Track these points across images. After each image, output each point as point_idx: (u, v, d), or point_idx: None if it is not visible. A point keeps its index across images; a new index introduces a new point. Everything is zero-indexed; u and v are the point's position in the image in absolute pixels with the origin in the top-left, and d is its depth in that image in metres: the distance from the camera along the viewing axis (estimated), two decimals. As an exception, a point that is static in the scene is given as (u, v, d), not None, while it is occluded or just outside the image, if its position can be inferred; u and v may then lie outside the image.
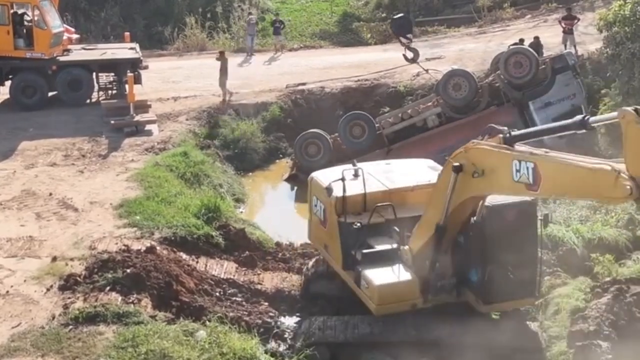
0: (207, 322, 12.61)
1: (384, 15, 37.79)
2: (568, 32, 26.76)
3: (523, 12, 34.81)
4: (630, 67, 19.61)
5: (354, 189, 13.04)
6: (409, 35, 26.34)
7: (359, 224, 12.57)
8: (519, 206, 12.11)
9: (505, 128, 10.81)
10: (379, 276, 12.41)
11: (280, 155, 24.19)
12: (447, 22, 35.71)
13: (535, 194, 10.13)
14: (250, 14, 33.02)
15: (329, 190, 13.10)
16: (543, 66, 21.84)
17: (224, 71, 24.72)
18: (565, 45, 26.32)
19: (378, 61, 28.31)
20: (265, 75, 27.04)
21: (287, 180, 22.54)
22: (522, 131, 10.97)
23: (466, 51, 28.65)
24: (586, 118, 9.70)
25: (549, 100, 21.44)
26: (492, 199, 11.95)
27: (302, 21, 38.87)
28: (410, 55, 25.86)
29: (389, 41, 32.86)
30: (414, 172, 13.90)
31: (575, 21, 26.94)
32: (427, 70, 26.18)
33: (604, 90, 21.36)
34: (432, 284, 12.41)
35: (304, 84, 26.50)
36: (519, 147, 10.42)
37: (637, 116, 8.08)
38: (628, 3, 20.00)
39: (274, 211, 20.46)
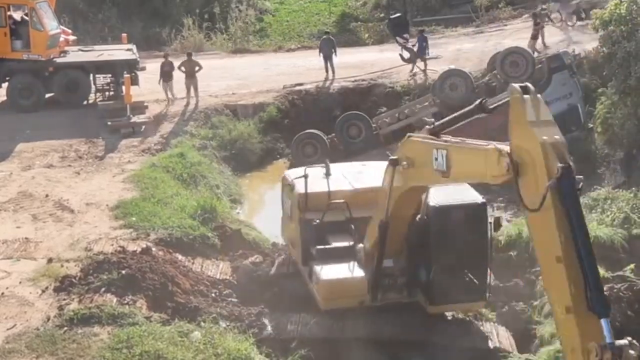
0: (202, 323, 12.61)
1: (382, 15, 37.81)
2: (534, 37, 26.72)
3: (520, 11, 34.77)
4: (627, 66, 19.60)
5: (318, 186, 13.18)
6: (405, 35, 26.38)
7: (317, 221, 12.70)
8: (467, 208, 12.24)
9: (432, 120, 11.23)
10: (327, 272, 12.55)
11: (278, 156, 24.19)
12: (445, 22, 35.66)
13: (448, 180, 10.16)
14: None
15: (292, 187, 13.19)
16: (539, 65, 21.86)
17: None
18: (533, 51, 26.14)
19: (375, 61, 28.28)
20: (262, 76, 27.05)
21: (284, 180, 22.48)
22: (441, 121, 10.88)
23: (463, 51, 28.64)
24: (484, 101, 9.97)
25: (546, 99, 20.89)
26: (440, 199, 12.09)
27: (300, 22, 38.89)
28: (406, 55, 25.88)
29: (387, 41, 32.85)
30: None
31: (540, 27, 26.89)
32: (423, 70, 26.20)
33: (600, 89, 21.36)
34: (380, 282, 12.46)
35: (301, 84, 26.50)
36: (444, 137, 10.29)
37: (521, 92, 8.16)
38: (624, 2, 20.00)
39: (271, 212, 20.38)
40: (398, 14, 28.51)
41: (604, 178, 20.26)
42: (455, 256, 12.25)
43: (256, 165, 23.45)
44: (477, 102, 10.03)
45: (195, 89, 24.79)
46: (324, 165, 13.93)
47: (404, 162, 10.88)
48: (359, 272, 12.57)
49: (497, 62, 21.86)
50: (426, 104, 22.35)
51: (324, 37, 28.09)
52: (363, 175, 13.81)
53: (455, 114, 10.69)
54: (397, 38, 26.30)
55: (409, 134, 11.46)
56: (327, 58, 27.03)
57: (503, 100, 9.89)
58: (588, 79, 22.79)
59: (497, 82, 21.91)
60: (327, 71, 26.99)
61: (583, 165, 20.61)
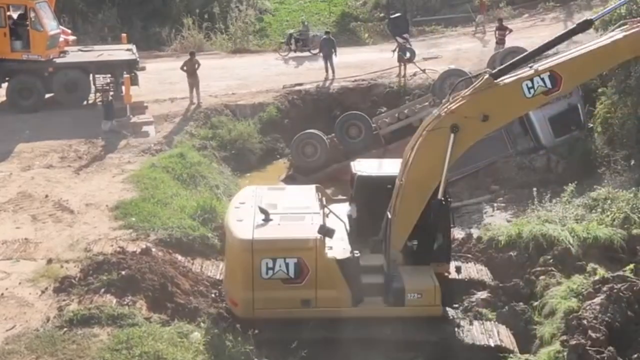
0: (202, 324, 12.61)
1: (381, 15, 37.76)
2: (500, 43, 26.69)
3: (520, 11, 34.75)
4: (627, 66, 19.54)
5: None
6: (405, 35, 26.34)
7: None
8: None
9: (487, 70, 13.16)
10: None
11: (277, 156, 24.21)
12: (445, 22, 35.67)
13: (557, 92, 12.54)
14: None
15: None
16: (539, 65, 21.80)
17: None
18: None
19: (375, 61, 28.25)
20: (262, 76, 27.04)
21: (284, 180, 22.51)
22: (505, 64, 12.97)
23: (463, 51, 28.64)
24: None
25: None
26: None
27: (300, 21, 38.79)
28: (407, 55, 25.87)
29: (387, 41, 32.82)
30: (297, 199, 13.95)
31: (507, 32, 26.86)
32: (424, 70, 26.18)
33: (600, 89, 21.32)
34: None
35: (300, 84, 26.50)
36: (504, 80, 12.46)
37: None
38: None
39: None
40: (398, 14, 28.47)
41: (604, 178, 20.23)
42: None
43: (256, 166, 23.46)
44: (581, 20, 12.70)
45: (197, 88, 24.77)
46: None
47: (474, 118, 12.24)
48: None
49: (497, 61, 21.82)
50: (426, 104, 22.32)
51: (324, 36, 28.08)
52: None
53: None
54: (397, 38, 26.23)
55: (445, 102, 12.73)
56: (327, 58, 27.03)
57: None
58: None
59: (496, 82, 21.82)
60: (327, 71, 26.98)
61: (583, 165, 20.86)
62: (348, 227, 13.45)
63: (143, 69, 25.15)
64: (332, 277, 12.46)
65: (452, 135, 12.33)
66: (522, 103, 12.64)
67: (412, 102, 23.00)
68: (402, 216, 12.90)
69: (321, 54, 27.41)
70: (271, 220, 12.84)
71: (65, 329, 12.18)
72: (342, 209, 13.88)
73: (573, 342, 11.77)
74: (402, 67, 26.22)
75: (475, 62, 26.57)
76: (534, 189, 18.05)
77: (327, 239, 12.47)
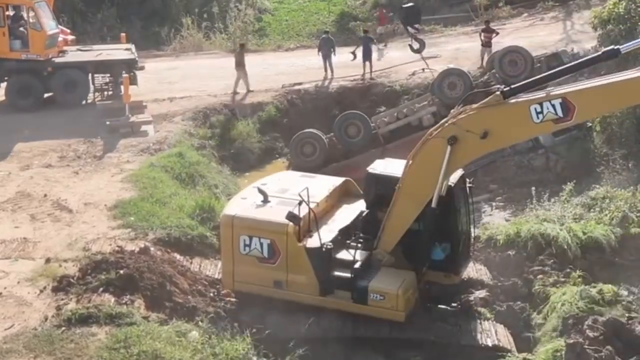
0: (200, 323, 12.61)
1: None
2: (486, 45, 26.61)
3: (519, 10, 34.73)
4: (625, 65, 19.57)
5: None
6: (416, 26, 26.34)
7: None
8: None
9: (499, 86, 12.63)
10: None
11: (277, 155, 24.25)
12: (444, 21, 35.66)
13: (568, 123, 11.99)
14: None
15: None
16: (538, 64, 21.84)
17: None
18: (483, 58, 26.13)
19: (374, 60, 28.23)
20: (261, 75, 27.02)
21: (283, 180, 22.48)
22: (519, 84, 12.32)
23: (462, 50, 28.63)
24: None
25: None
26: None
27: (299, 21, 38.85)
28: (416, 45, 25.92)
29: (386, 40, 32.84)
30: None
31: (494, 34, 26.83)
32: (427, 65, 26.17)
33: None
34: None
35: (300, 83, 26.52)
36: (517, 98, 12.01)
37: None
38: (622, 1, 20.03)
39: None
40: (411, 4, 28.45)
41: (603, 177, 20.24)
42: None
43: (255, 165, 23.47)
44: (609, 48, 11.94)
45: (245, 78, 25.58)
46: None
47: (474, 133, 11.96)
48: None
49: (496, 61, 21.87)
50: (425, 103, 22.34)
51: (323, 36, 28.09)
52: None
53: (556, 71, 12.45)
54: (408, 28, 26.23)
55: (454, 112, 12.44)
56: (326, 57, 27.05)
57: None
58: (587, 78, 22.70)
59: (495, 81, 21.89)
60: (325, 70, 27.00)
61: (582, 164, 20.88)
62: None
63: (142, 68, 25.15)
64: (300, 263, 12.94)
65: (448, 147, 12.21)
66: (528, 127, 12.05)
67: (411, 102, 23.02)
68: (394, 220, 12.98)
69: (320, 53, 27.43)
70: (268, 202, 13.48)
71: (63, 328, 12.14)
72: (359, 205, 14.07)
73: (571, 340, 11.76)
74: (368, 66, 26.44)
75: (474, 62, 26.62)
76: (533, 188, 18.06)
77: (317, 228, 12.91)
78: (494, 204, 19.67)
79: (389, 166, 14.30)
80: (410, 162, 12.81)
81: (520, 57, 21.63)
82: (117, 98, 23.94)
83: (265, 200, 13.51)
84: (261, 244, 13.02)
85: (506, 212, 19.02)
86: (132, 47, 25.93)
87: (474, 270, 15.40)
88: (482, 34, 26.88)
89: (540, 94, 12.02)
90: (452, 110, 12.87)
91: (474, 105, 12.45)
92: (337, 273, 12.94)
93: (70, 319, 12.33)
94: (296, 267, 12.89)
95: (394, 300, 12.59)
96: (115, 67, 24.48)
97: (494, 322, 13.58)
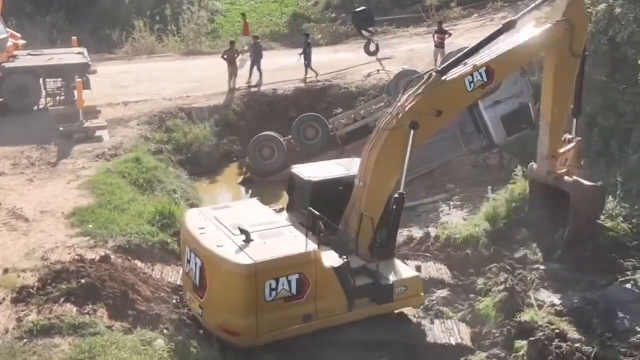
0: (165, 331, 12.52)
1: (333, 15, 37.90)
2: (439, 46, 27.00)
3: (470, 11, 35.17)
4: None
5: None
6: (370, 29, 26.56)
7: None
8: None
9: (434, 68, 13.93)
10: None
11: (234, 159, 24.12)
12: (396, 22, 35.90)
13: (491, 86, 14.15)
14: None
15: None
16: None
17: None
18: (436, 59, 26.46)
19: (330, 62, 28.36)
20: (217, 79, 26.85)
21: (242, 183, 22.46)
22: (448, 62, 14.09)
23: (416, 51, 28.88)
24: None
25: (498, 98, 21.74)
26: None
27: (251, 22, 38.56)
28: (373, 48, 26.15)
29: (340, 42, 33.01)
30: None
31: (447, 36, 27.31)
32: (383, 67, 26.41)
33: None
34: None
35: (255, 86, 26.47)
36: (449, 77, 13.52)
37: None
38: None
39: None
40: (363, 7, 28.56)
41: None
42: None
43: (213, 169, 23.33)
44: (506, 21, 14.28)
45: (235, 77, 25.84)
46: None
47: (429, 114, 13.03)
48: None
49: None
50: (382, 104, 22.49)
51: (252, 42, 27.51)
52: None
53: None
54: (363, 31, 26.46)
55: (398, 101, 13.43)
56: (255, 63, 26.55)
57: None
58: (537, 77, 23.19)
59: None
60: (250, 76, 26.45)
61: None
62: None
63: (94, 72, 24.77)
64: (330, 286, 12.43)
65: (412, 132, 12.89)
66: (465, 97, 13.90)
67: (367, 103, 23.16)
68: (369, 215, 13.06)
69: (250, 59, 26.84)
70: (253, 240, 12.27)
71: (25, 340, 11.93)
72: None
73: (533, 338, 12.01)
74: (311, 72, 26.58)
75: (428, 63, 26.80)
76: (489, 187, 18.34)
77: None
78: (451, 203, 19.90)
79: (320, 170, 14.26)
80: (372, 157, 13.09)
81: (474, 57, 21.85)
82: (70, 103, 23.50)
83: (249, 240, 12.24)
84: (289, 282, 12.06)
85: (464, 212, 19.26)
86: (85, 51, 25.53)
87: (434, 269, 15.64)
88: (436, 35, 27.16)
89: (470, 67, 13.74)
90: (396, 100, 13.73)
91: (417, 91, 13.27)
92: (358, 283, 12.73)
93: (32, 331, 12.13)
94: (325, 292, 12.35)
95: (415, 287, 13.12)
96: (68, 72, 24.03)
97: (457, 321, 13.80)
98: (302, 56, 26.80)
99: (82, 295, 13.19)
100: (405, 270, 13.31)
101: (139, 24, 32.64)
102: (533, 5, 15.44)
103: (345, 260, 12.59)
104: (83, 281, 13.40)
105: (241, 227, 12.41)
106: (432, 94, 13.25)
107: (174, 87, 26.53)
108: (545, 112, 15.75)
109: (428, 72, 13.65)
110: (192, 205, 19.76)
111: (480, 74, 13.58)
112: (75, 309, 12.83)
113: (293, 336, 12.23)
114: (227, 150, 24.02)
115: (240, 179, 22.78)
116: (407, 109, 13.10)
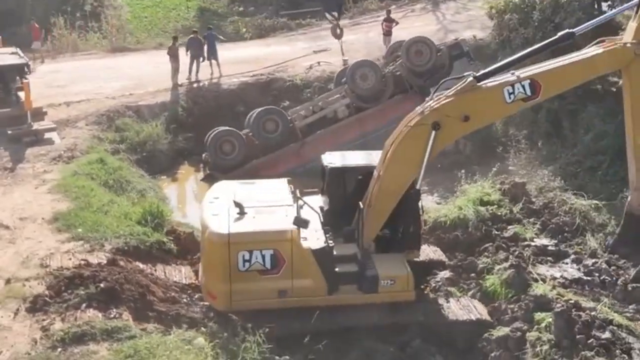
0: (203, 328, 12.40)
1: (240, 9, 37.60)
2: (387, 34, 28.03)
3: (387, 2, 35.88)
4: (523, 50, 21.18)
5: None
6: (334, 13, 26.92)
7: None
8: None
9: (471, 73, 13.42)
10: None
11: (189, 155, 23.69)
12: (313, 14, 36.03)
13: (536, 100, 13.50)
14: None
15: None
16: (439, 53, 22.91)
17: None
18: (387, 46, 27.25)
19: (265, 56, 28.39)
20: (155, 74, 26.27)
21: (204, 180, 22.15)
22: (488, 69, 13.66)
23: (349, 43, 29.25)
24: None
25: (448, 86, 22.48)
26: None
27: (159, 17, 37.67)
28: (338, 31, 26.51)
29: (267, 35, 32.98)
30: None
31: (394, 24, 28.35)
32: (318, 63, 26.78)
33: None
34: None
35: (198, 81, 26.11)
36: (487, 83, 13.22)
37: None
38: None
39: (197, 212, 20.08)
40: None
41: (509, 157, 21.79)
42: None
43: (169, 167, 22.93)
44: (563, 32, 13.80)
45: (178, 72, 25.47)
46: None
47: (455, 117, 12.80)
48: None
49: (403, 51, 22.67)
50: (338, 95, 22.79)
51: (191, 36, 27.01)
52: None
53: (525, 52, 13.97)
54: (326, 14, 26.73)
55: (429, 100, 13.21)
56: (195, 58, 26.11)
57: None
58: (484, 65, 24.22)
59: (402, 71, 22.74)
60: (190, 72, 26.02)
61: (487, 146, 22.32)
62: (322, 219, 13.67)
63: (31, 72, 23.66)
64: (308, 267, 12.81)
65: (433, 132, 12.88)
66: (502, 107, 13.40)
67: (325, 94, 23.33)
68: (378, 207, 13.36)
69: (188, 54, 26.17)
70: (246, 213, 13.06)
71: (59, 349, 11.60)
72: (315, 201, 14.12)
73: (558, 309, 12.71)
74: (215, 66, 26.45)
75: (364, 54, 27.26)
76: (462, 171, 19.00)
77: (301, 230, 12.73)
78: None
79: (342, 159, 14.72)
80: (391, 149, 13.27)
81: (426, 46, 22.56)
82: (12, 105, 22.37)
83: (242, 213, 13.09)
84: (263, 256, 12.62)
85: (434, 196, 19.92)
86: (19, 50, 24.26)
87: (431, 251, 16.12)
88: (384, 23, 27.92)
89: (512, 77, 13.20)
90: (427, 99, 13.52)
91: (449, 92, 13.20)
92: (341, 269, 13.06)
93: (63, 339, 11.84)
94: (302, 271, 12.74)
95: (405, 283, 13.13)
96: (7, 73, 22.84)
97: (470, 298, 14.35)
98: (206, 51, 26.16)
99: (102, 299, 12.87)
100: (398, 266, 13.40)
101: (59, 21, 31.29)
102: (598, 19, 14.87)
103: (328, 244, 12.91)
104: (102, 285, 13.03)
105: (236, 201, 13.15)
106: (463, 97, 12.99)
107: (113, 85, 25.75)
108: (628, 139, 14.60)
109: (464, 75, 13.46)
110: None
111: (523, 86, 13.02)
112: (99, 314, 12.50)
113: (269, 308, 12.68)
114: (180, 147, 23.60)
115: (201, 175, 22.44)
116: (433, 108, 12.99)
